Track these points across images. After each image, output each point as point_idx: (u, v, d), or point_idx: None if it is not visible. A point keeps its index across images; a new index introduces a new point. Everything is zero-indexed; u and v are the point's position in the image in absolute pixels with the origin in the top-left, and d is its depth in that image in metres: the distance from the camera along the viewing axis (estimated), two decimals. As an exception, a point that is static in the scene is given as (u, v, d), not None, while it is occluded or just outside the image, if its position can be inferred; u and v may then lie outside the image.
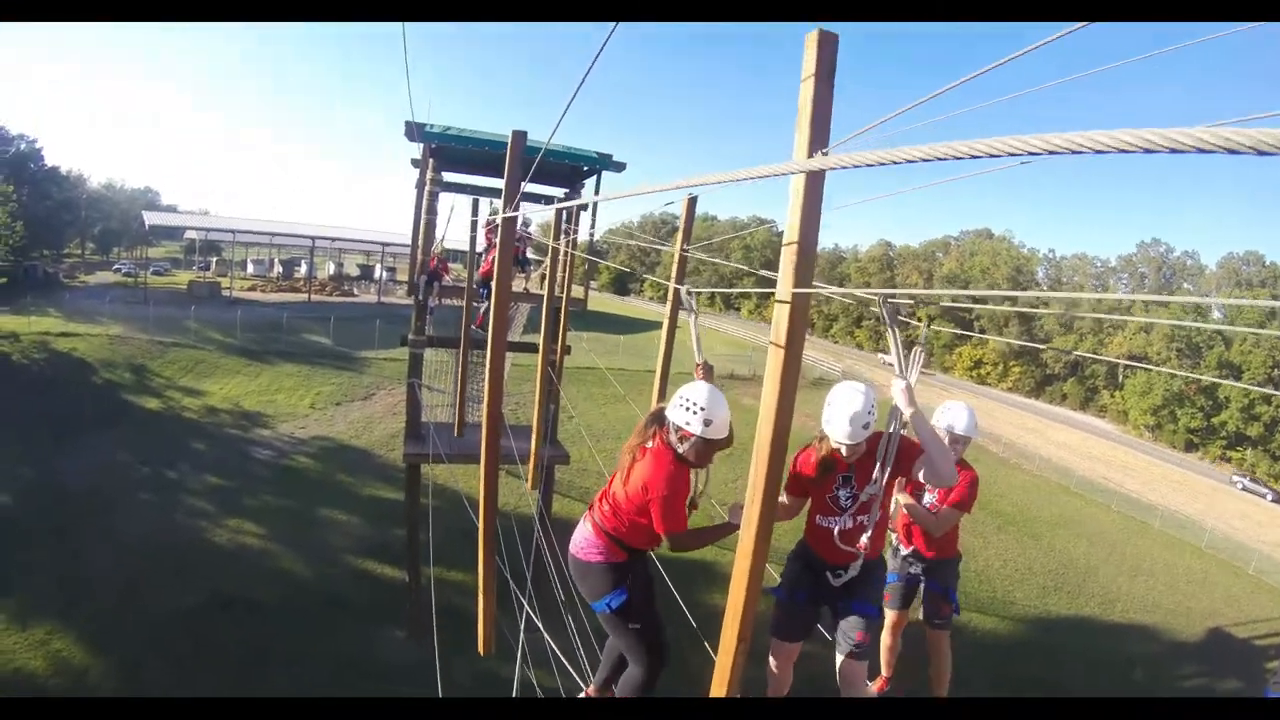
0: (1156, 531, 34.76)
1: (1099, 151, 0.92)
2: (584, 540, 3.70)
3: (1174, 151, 0.84)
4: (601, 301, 64.29)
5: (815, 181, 2.44)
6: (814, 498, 3.73)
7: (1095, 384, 64.35)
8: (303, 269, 59.97)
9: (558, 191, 15.79)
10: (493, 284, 5.20)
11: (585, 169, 14.33)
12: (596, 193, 14.21)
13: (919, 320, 3.12)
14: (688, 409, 3.35)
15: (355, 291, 57.46)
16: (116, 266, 66.77)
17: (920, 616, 5.13)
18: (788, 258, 2.48)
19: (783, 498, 3.76)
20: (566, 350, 12.79)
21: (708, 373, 3.89)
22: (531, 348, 12.41)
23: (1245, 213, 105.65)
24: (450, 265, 16.86)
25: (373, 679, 14.95)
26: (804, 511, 3.86)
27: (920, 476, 3.53)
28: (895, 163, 1.16)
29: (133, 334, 33.53)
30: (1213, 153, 0.79)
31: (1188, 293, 64.69)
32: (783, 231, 2.52)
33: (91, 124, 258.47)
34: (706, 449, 3.42)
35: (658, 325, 56.71)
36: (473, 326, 12.25)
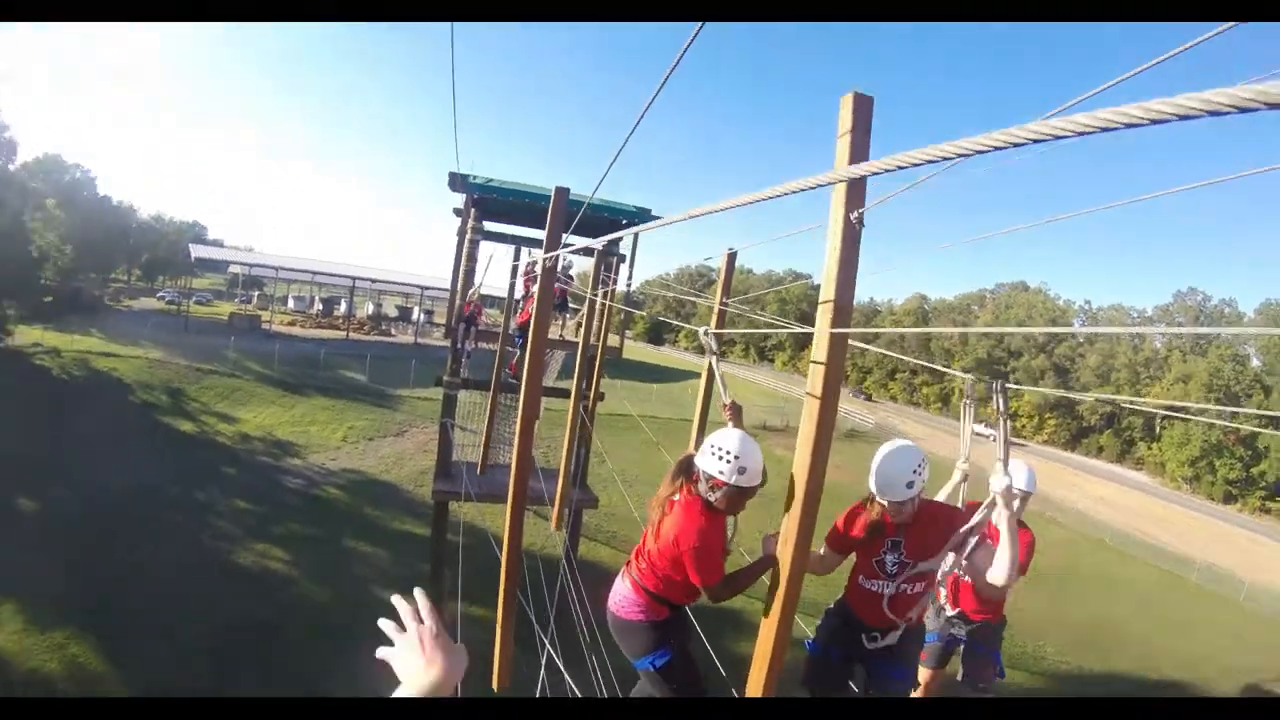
0: (1194, 586, 33.74)
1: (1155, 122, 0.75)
2: (623, 598, 3.61)
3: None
4: (636, 350, 64.48)
5: (851, 239, 2.52)
6: (859, 559, 3.60)
7: (1132, 435, 62.95)
8: (342, 307, 60.76)
9: (593, 242, 15.97)
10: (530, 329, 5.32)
11: (624, 223, 14.55)
12: (634, 247, 14.41)
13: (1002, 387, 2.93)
14: (720, 457, 3.21)
15: (393, 332, 58.14)
16: (160, 294, 68.57)
17: (959, 677, 4.96)
18: (824, 314, 2.55)
19: (821, 549, 3.69)
20: (600, 396, 12.89)
21: (736, 413, 3.69)
22: (564, 393, 12.50)
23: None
24: (486, 310, 17.08)
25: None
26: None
27: (974, 557, 3.47)
28: (929, 161, 1.22)
29: (172, 359, 34.40)
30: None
31: (1225, 343, 63.33)
32: (818, 285, 2.59)
33: (146, 160, 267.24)
34: (739, 497, 3.29)
35: (691, 375, 57.04)
36: (506, 371, 12.40)
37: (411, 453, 29.10)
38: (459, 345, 14.46)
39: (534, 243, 14.41)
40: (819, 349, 2.57)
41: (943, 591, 4.72)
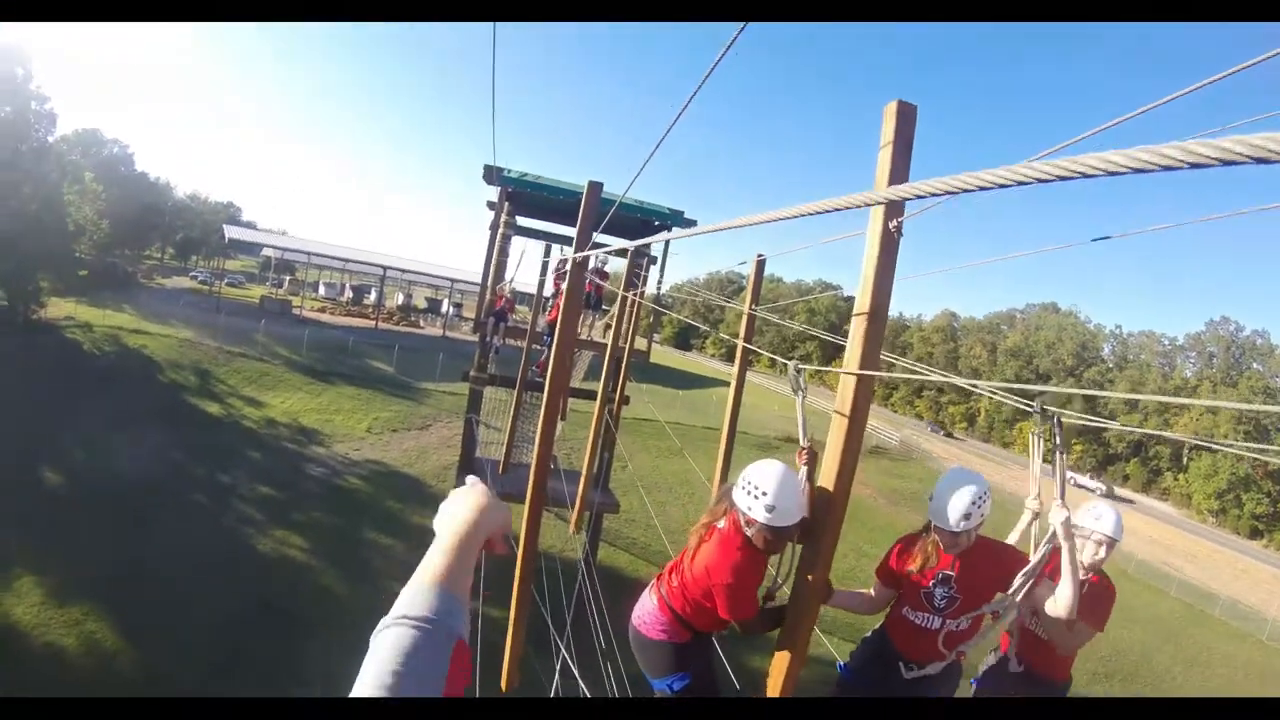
0: (1216, 620, 33.18)
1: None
2: (648, 614, 3.45)
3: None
4: (663, 355, 64.41)
5: (889, 249, 2.44)
6: (906, 589, 3.42)
7: (1159, 465, 62.13)
8: (372, 296, 61.01)
9: (626, 243, 15.94)
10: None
11: (656, 224, 14.51)
12: (666, 248, 14.37)
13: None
14: (749, 493, 2.97)
15: (421, 323, 58.32)
16: (193, 274, 69.46)
17: None
18: (858, 326, 2.48)
19: (870, 590, 3.59)
20: (625, 400, 12.83)
21: (811, 460, 3.25)
22: (590, 394, 12.48)
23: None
24: (516, 306, 17.09)
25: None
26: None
27: (1033, 593, 3.16)
28: (981, 187, 1.13)
29: (202, 340, 34.81)
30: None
31: (1257, 374, 62.02)
32: (849, 297, 2.52)
33: (187, 140, 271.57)
34: (775, 537, 3.00)
35: (717, 382, 56.99)
36: (533, 368, 12.39)
37: (435, 447, 29.20)
38: (488, 340, 14.45)
39: (565, 240, 14.39)
40: (850, 368, 2.50)
41: (1010, 643, 4.28)
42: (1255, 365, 65.04)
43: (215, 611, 16.45)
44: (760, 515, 2.92)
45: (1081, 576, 3.31)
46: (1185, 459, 58.04)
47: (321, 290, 64.58)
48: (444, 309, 60.12)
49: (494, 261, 14.26)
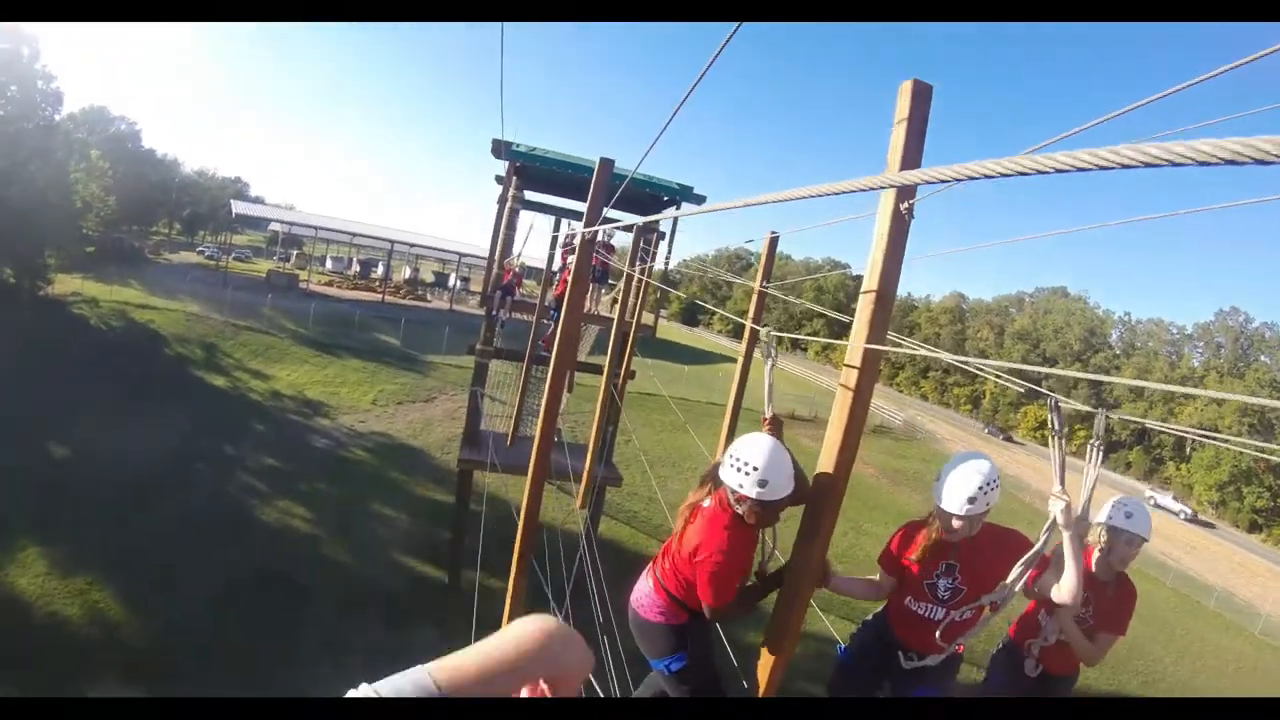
0: (1210, 612, 33.18)
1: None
2: (644, 597, 3.48)
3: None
4: (670, 330, 64.27)
5: (899, 229, 2.43)
6: (908, 579, 3.35)
7: (1161, 454, 62.00)
8: (379, 270, 61.05)
9: (635, 219, 15.87)
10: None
11: (665, 199, 14.42)
12: (674, 225, 14.26)
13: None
14: (739, 469, 2.96)
15: (428, 297, 58.27)
16: (200, 249, 69.89)
17: None
18: (865, 306, 2.47)
19: (876, 576, 3.54)
20: (631, 374, 12.83)
21: (775, 428, 3.38)
22: (596, 368, 12.47)
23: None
24: (524, 280, 17.05)
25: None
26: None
27: (1041, 582, 3.08)
28: (1002, 174, 1.14)
29: (208, 314, 35.01)
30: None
31: (1264, 367, 61.74)
32: (857, 276, 2.50)
33: (193, 116, 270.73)
34: (766, 511, 3.01)
35: (723, 359, 56.96)
36: (540, 343, 12.38)
37: (440, 419, 29.31)
38: (494, 313, 14.44)
39: (574, 214, 14.33)
40: (855, 347, 2.49)
41: (1034, 647, 4.14)
42: (1263, 358, 64.59)
43: (219, 579, 16.62)
44: (751, 491, 2.93)
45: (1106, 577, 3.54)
46: (1189, 448, 57.80)
47: (328, 264, 64.43)
48: (451, 283, 60.03)
49: (501, 235, 14.21)
